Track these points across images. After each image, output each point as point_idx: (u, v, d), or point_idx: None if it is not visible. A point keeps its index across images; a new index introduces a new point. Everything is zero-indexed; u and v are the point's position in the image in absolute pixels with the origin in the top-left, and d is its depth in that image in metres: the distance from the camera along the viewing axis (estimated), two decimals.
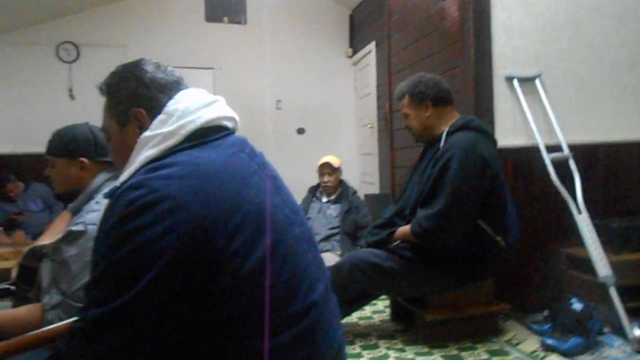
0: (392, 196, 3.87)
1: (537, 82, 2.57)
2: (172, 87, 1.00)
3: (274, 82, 5.96)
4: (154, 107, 0.96)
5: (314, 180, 3.71)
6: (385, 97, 4.28)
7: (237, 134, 1.04)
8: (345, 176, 6.09)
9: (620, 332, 2.15)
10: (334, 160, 3.56)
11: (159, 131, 0.92)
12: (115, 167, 1.07)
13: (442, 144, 2.18)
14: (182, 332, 0.79)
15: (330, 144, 6.07)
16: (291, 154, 5.86)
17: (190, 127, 0.92)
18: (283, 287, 0.87)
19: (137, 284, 0.74)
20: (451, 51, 2.80)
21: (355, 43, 6.07)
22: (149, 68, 1.00)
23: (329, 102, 6.14)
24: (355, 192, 3.66)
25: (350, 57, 6.16)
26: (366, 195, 5.13)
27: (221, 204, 0.81)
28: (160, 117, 0.94)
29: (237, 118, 1.05)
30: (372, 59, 5.38)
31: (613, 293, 2.17)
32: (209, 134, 0.94)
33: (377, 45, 5.23)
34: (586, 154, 2.61)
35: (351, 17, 6.17)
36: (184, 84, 1.03)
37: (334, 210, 3.51)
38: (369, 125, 5.51)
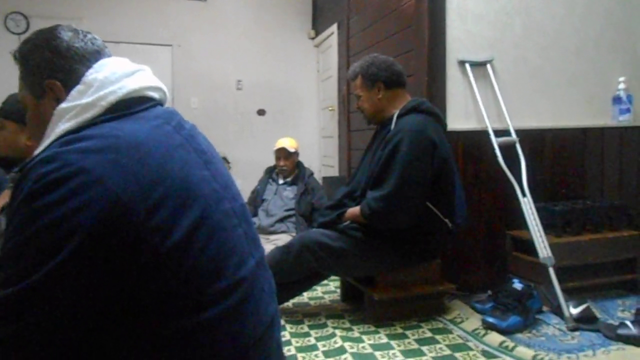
0: (347, 178, 3.89)
1: (489, 67, 2.61)
2: (91, 57, 0.94)
3: (235, 62, 5.86)
4: (71, 79, 0.90)
5: (274, 161, 3.69)
6: (345, 80, 4.27)
7: (166, 106, 1.00)
8: (306, 159, 6.08)
9: (557, 311, 2.24)
10: (290, 145, 3.55)
11: (76, 102, 0.86)
12: None
13: (392, 126, 2.19)
14: (102, 312, 0.76)
15: (291, 126, 6.04)
16: (251, 135, 5.80)
17: (111, 98, 0.87)
18: (210, 263, 0.85)
19: (48, 263, 0.71)
20: (406, 34, 2.81)
21: (318, 25, 6.02)
22: (66, 36, 0.94)
23: (291, 83, 6.09)
24: (311, 174, 3.66)
25: (313, 38, 6.10)
26: (324, 178, 5.15)
27: (141, 179, 0.78)
28: (78, 87, 0.88)
29: (165, 89, 1.01)
30: (334, 41, 5.35)
31: (552, 273, 2.25)
32: (131, 106, 0.89)
33: (339, 28, 5.19)
34: (534, 138, 2.68)
35: None
36: (106, 54, 0.97)
37: (290, 192, 3.51)
38: (330, 108, 5.50)
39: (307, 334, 2.17)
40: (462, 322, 2.25)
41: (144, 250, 0.76)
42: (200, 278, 0.83)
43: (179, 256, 0.80)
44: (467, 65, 2.58)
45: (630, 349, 1.93)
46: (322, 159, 6.06)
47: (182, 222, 0.81)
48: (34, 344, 0.72)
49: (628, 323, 2.05)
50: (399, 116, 2.19)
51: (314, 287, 2.61)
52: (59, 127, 0.85)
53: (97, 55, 0.95)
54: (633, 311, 2.25)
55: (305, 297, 2.65)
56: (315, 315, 2.40)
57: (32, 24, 5.04)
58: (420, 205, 2.13)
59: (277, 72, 6.01)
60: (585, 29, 2.83)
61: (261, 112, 6.03)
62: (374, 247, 2.21)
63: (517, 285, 2.27)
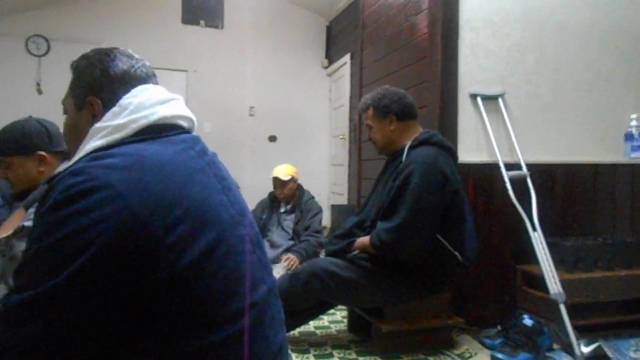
0: (357, 207, 3.88)
1: (500, 101, 2.63)
2: (135, 82, 1.00)
3: (248, 88, 5.96)
4: (112, 100, 0.96)
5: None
6: (357, 109, 4.32)
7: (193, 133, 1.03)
8: (316, 186, 6.12)
9: (568, 349, 2.19)
10: (285, 173, 3.55)
11: (109, 123, 0.91)
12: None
13: (404, 157, 2.20)
14: (112, 325, 0.77)
15: (302, 153, 6.09)
16: (263, 161, 5.85)
17: (143, 122, 0.91)
18: (222, 285, 0.86)
19: (63, 271, 0.72)
20: (419, 66, 2.84)
21: (331, 54, 6.12)
22: (120, 59, 1.01)
23: (303, 111, 6.16)
24: (311, 198, 3.66)
25: (326, 67, 6.20)
26: (333, 206, 5.16)
27: (162, 197, 0.80)
28: (114, 109, 0.93)
29: (194, 119, 1.05)
30: (346, 71, 5.43)
31: (563, 310, 2.21)
32: (160, 131, 0.93)
33: (351, 58, 5.28)
34: (545, 173, 2.67)
35: (328, 29, 6.23)
36: (152, 81, 1.03)
37: (290, 222, 3.54)
38: (341, 137, 5.54)
39: None
40: (470, 357, 2.21)
41: (160, 267, 0.78)
42: (212, 300, 0.84)
43: (192, 276, 0.81)
44: (479, 99, 2.60)
45: None
46: (331, 186, 6.08)
47: (199, 242, 0.83)
48: (42, 351, 0.73)
49: None
50: (411, 148, 2.20)
51: (321, 316, 2.59)
52: (91, 144, 0.90)
53: (142, 81, 1.01)
54: None
55: (311, 326, 2.62)
56: (321, 345, 2.37)
57: (52, 46, 5.18)
58: (430, 238, 2.13)
59: (290, 99, 6.09)
60: (598, 66, 2.85)
61: (272, 139, 6.09)
62: (382, 277, 2.19)
63: (528, 321, 2.23)
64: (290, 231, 3.50)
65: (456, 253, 2.19)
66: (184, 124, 1.00)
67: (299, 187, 3.67)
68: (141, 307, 0.78)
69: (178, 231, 0.80)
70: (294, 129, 6.13)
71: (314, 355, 2.23)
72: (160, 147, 0.89)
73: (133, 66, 1.01)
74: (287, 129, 6.11)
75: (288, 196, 3.59)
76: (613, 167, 2.84)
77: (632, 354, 2.24)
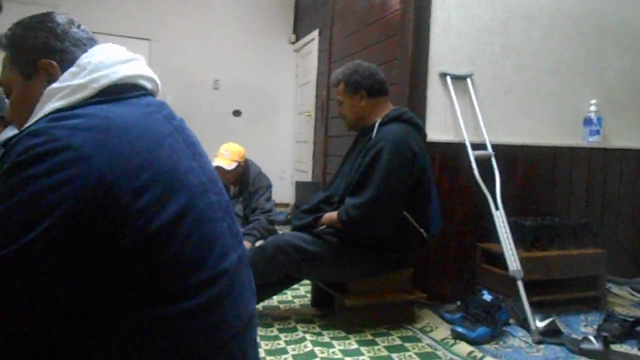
0: (322, 184, 3.89)
1: (469, 81, 2.67)
2: (86, 42, 0.95)
3: (213, 61, 5.82)
4: (66, 60, 0.91)
5: None
6: (324, 86, 4.29)
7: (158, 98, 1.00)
8: (279, 163, 6.09)
9: (524, 323, 2.29)
10: (229, 162, 3.17)
11: (68, 83, 0.87)
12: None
13: (374, 134, 2.21)
14: (78, 293, 0.74)
15: (266, 129, 6.03)
16: (227, 136, 5.74)
17: (104, 82, 0.87)
18: (193, 252, 0.85)
19: (25, 236, 0.69)
20: (390, 44, 2.84)
21: (299, 30, 6.04)
22: (61, 20, 0.95)
23: (268, 86, 6.08)
24: (259, 173, 3.36)
25: (293, 43, 6.12)
26: (297, 182, 5.14)
27: (129, 161, 0.78)
28: (72, 69, 0.89)
29: (158, 81, 1.02)
30: (314, 47, 5.37)
31: (520, 287, 2.30)
32: (123, 91, 0.90)
33: (320, 34, 5.22)
34: (508, 154, 2.74)
35: (296, 3, 6.13)
36: (98, 43, 0.98)
37: (239, 210, 3.31)
38: (307, 114, 5.50)
39: (276, 337, 2.15)
40: (431, 331, 2.27)
41: (127, 232, 0.76)
42: (182, 266, 0.82)
43: (162, 242, 0.80)
44: (448, 78, 2.62)
45: None
46: (295, 164, 6.06)
47: (168, 208, 0.81)
48: (4, 320, 0.70)
49: (591, 338, 2.11)
50: (381, 124, 2.20)
51: (285, 291, 2.59)
52: (49, 105, 0.85)
53: (91, 42, 0.97)
54: (595, 327, 2.32)
55: (275, 300, 2.63)
56: (285, 319, 2.38)
57: (5, 7, 4.87)
58: (397, 214, 2.15)
59: (256, 74, 5.99)
60: (560, 52, 2.92)
61: (237, 113, 5.99)
62: (348, 253, 2.21)
63: (487, 296, 2.30)
64: (242, 216, 3.27)
65: (422, 230, 2.23)
66: (147, 85, 0.97)
67: (246, 165, 3.34)
68: (110, 272, 0.76)
69: (147, 196, 0.78)
70: (259, 104, 6.05)
71: (278, 329, 2.24)
72: (126, 109, 0.86)
73: (76, 27, 0.97)
74: (252, 104, 6.02)
75: (232, 181, 3.31)
76: (571, 151, 2.94)
77: (582, 328, 2.36)
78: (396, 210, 2.13)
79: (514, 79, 2.81)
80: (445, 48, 2.64)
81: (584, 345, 2.07)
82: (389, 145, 2.08)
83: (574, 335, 2.22)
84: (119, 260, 0.76)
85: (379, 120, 2.22)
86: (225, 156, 3.20)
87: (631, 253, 3.17)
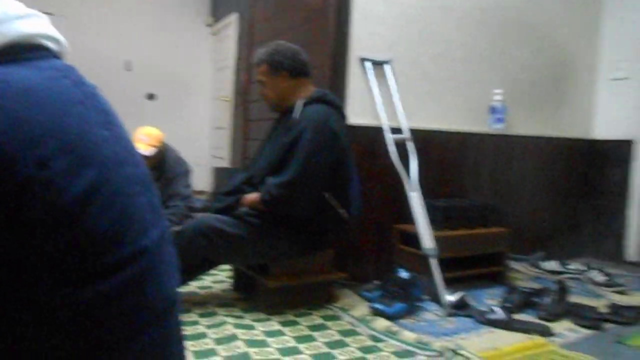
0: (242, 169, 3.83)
1: (387, 67, 2.74)
2: None
3: (124, 40, 5.50)
4: None
5: None
6: (244, 70, 4.21)
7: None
8: (195, 149, 5.92)
9: (437, 298, 2.41)
10: (147, 147, 3.02)
11: None
12: None
13: (296, 114, 2.21)
14: None
15: (182, 114, 5.83)
16: (140, 120, 5.47)
17: None
18: (108, 228, 0.78)
19: None
20: (311, 28, 2.84)
21: (217, 12, 5.88)
22: None
23: (184, 70, 5.87)
24: (177, 158, 3.23)
25: (211, 26, 5.94)
26: (216, 169, 5.04)
27: (30, 128, 0.69)
28: None
29: (64, 42, 0.91)
30: (233, 30, 5.26)
31: (433, 264, 2.42)
32: (22, 52, 0.78)
33: (239, 16, 5.12)
34: (423, 138, 2.85)
35: None
36: None
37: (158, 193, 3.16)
38: (225, 99, 5.39)
39: (196, 322, 2.09)
40: (351, 309, 2.32)
41: (33, 207, 0.68)
42: (96, 244, 0.76)
43: (73, 218, 0.73)
44: (368, 64, 2.68)
45: (498, 332, 2.14)
46: (212, 150, 5.92)
47: (78, 180, 0.74)
48: None
49: (496, 309, 2.28)
50: (303, 105, 2.21)
51: (203, 277, 2.53)
52: None
53: None
54: (499, 299, 2.50)
55: (193, 286, 2.55)
56: (204, 303, 2.32)
57: None
58: (319, 194, 2.17)
59: (171, 56, 5.76)
60: (471, 43, 3.09)
61: (151, 97, 5.73)
62: (270, 234, 2.20)
63: (403, 274, 2.40)
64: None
65: (342, 211, 2.27)
66: (52, 45, 0.85)
67: (164, 149, 3.18)
68: (14, 252, 0.69)
69: (54, 167, 0.70)
70: (174, 88, 5.83)
71: (198, 314, 2.18)
72: (27, 72, 0.76)
73: None
74: (167, 88, 5.78)
75: (150, 167, 3.06)
76: (479, 137, 3.13)
77: (488, 301, 2.52)
78: (318, 190, 2.15)
79: (430, 67, 2.93)
80: (366, 33, 2.69)
81: (490, 316, 2.23)
82: (312, 125, 2.09)
83: (481, 307, 2.37)
84: (25, 238, 0.68)
85: (301, 101, 2.23)
86: (143, 141, 3.03)
87: (531, 232, 3.45)
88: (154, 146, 3.06)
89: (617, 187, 3.63)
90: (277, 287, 2.25)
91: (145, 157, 2.99)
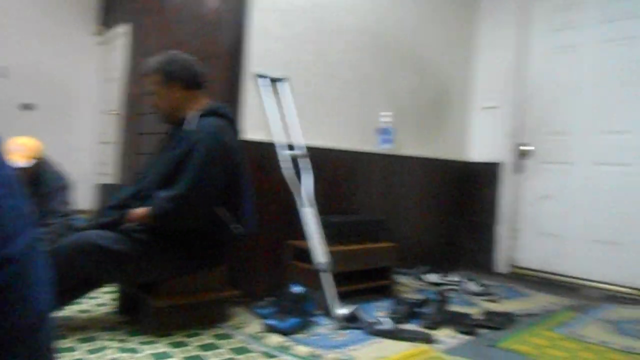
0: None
1: (283, 84, 2.79)
2: None
3: (1, 44, 5.01)
4: None
5: None
6: (134, 83, 4.04)
7: None
8: (78, 165, 5.50)
9: (329, 312, 2.45)
10: (26, 158, 2.77)
11: None
12: None
13: (189, 126, 2.16)
14: None
15: (64, 127, 5.42)
16: (16, 132, 4.98)
17: None
18: None
19: None
20: (207, 41, 2.81)
21: (107, 21, 5.59)
22: None
23: (69, 80, 5.47)
24: (53, 171, 2.98)
25: (98, 35, 5.63)
26: (99, 185, 4.73)
27: None
28: None
29: None
30: (123, 41, 5.02)
31: (326, 278, 2.47)
32: None
33: (130, 27, 4.90)
34: (317, 156, 2.92)
35: None
36: None
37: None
38: (113, 112, 5.10)
39: (73, 349, 1.92)
40: (243, 326, 2.29)
41: None
42: None
43: None
44: (264, 80, 2.70)
45: (385, 342, 2.23)
46: (97, 166, 5.55)
47: None
48: None
49: (383, 320, 2.38)
50: (197, 117, 2.16)
51: (85, 299, 2.35)
52: None
53: None
54: (387, 311, 2.61)
55: (72, 310, 2.35)
56: (85, 328, 2.15)
57: None
58: (211, 209, 2.13)
59: (53, 64, 5.35)
60: (361, 67, 3.25)
61: (28, 106, 5.25)
62: (159, 251, 2.10)
63: (296, 289, 2.42)
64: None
65: (235, 226, 2.24)
66: None
67: (42, 162, 2.92)
68: None
69: None
70: (56, 99, 5.39)
71: (77, 339, 2.01)
72: None
73: None
74: (48, 98, 5.34)
75: (26, 181, 2.80)
76: (369, 156, 3.28)
77: (377, 313, 2.62)
78: (210, 205, 2.11)
79: (323, 87, 3.03)
80: (262, 50, 2.72)
81: (378, 327, 2.32)
82: (205, 139, 2.05)
83: (370, 319, 2.45)
84: None
85: (194, 113, 2.18)
86: (18, 152, 2.76)
87: (415, 246, 3.67)
88: (31, 158, 2.80)
89: (488, 205, 3.99)
90: (165, 307, 2.14)
91: (21, 169, 2.73)
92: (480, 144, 4.11)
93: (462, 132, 4.12)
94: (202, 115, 2.17)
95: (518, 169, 3.90)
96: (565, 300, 3.16)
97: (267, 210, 2.74)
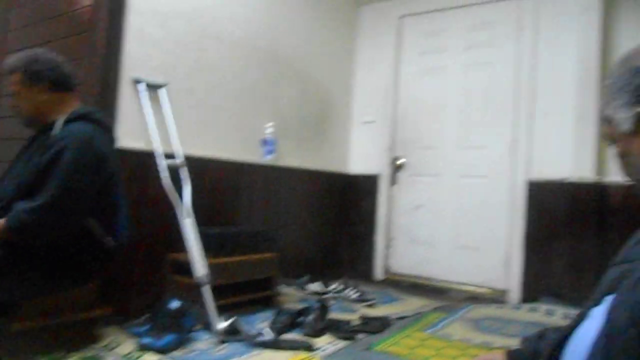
0: None
1: (163, 91, 2.69)
2: None
3: None
4: None
5: None
6: None
7: None
8: None
9: (209, 327, 2.39)
10: None
11: None
12: None
13: (56, 131, 1.98)
14: None
15: None
16: None
17: None
18: None
19: None
20: (78, 40, 2.62)
21: None
22: None
23: None
24: None
25: None
26: None
27: None
28: None
29: None
30: None
31: (206, 291, 2.41)
32: None
33: None
34: (198, 166, 2.86)
35: None
36: None
37: None
38: None
39: None
40: (116, 347, 2.15)
41: None
42: None
43: None
44: (142, 86, 2.58)
45: (267, 353, 2.23)
46: None
47: None
48: None
49: (265, 331, 2.38)
50: (66, 122, 1.99)
51: None
52: None
53: None
54: (269, 322, 2.61)
55: None
56: None
57: None
58: (80, 221, 1.97)
59: None
60: (244, 77, 3.25)
61: None
62: (17, 268, 1.89)
63: (173, 304, 2.33)
64: None
65: (107, 239, 2.09)
66: None
67: None
68: None
69: None
70: None
71: None
72: None
73: None
74: None
75: None
76: (252, 167, 3.28)
77: (259, 325, 2.61)
78: (78, 217, 1.94)
79: (206, 95, 2.98)
80: (140, 54, 2.60)
81: (259, 338, 2.32)
82: (74, 144, 1.89)
83: (252, 331, 2.44)
84: None
85: (62, 117, 2.01)
86: None
87: (298, 256, 3.72)
88: None
89: (367, 215, 4.19)
90: (25, 329, 1.94)
91: None
92: (359, 157, 4.31)
93: (343, 145, 4.29)
94: (70, 120, 2.00)
95: (393, 180, 4.15)
96: (434, 303, 3.42)
97: (144, 221, 2.61)
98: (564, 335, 0.88)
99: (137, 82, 2.57)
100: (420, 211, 4.03)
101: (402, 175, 4.14)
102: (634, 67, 0.78)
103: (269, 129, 3.34)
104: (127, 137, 2.52)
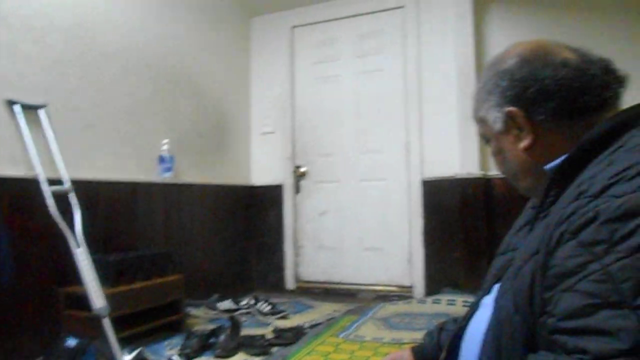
0: None
1: (42, 112, 2.48)
2: None
3: None
4: None
5: None
6: None
7: None
8: None
9: None
10: None
11: None
12: None
13: None
14: None
15: None
16: None
17: None
18: None
19: None
20: None
21: None
22: None
23: None
24: None
25: None
26: None
27: None
28: None
29: None
30: None
31: (106, 324, 2.24)
32: None
33: None
34: (89, 190, 2.67)
35: None
36: None
37: None
38: None
39: None
40: None
41: None
42: None
43: None
44: (18, 107, 2.36)
45: None
46: None
47: None
48: None
49: (174, 359, 2.27)
50: None
51: None
52: None
53: None
54: (178, 347, 2.50)
55: None
56: None
57: None
58: None
59: None
60: (137, 93, 3.10)
61: None
62: None
63: (70, 342, 2.15)
64: None
65: None
66: None
67: None
68: None
69: None
70: None
71: None
72: None
73: None
74: None
75: None
76: (149, 186, 3.13)
77: (167, 352, 2.49)
78: None
79: (93, 114, 2.79)
80: (12, 73, 2.38)
81: None
82: None
83: (160, 359, 2.32)
84: None
85: None
86: None
87: (206, 275, 3.61)
88: None
89: (274, 226, 4.18)
90: None
91: None
92: (262, 168, 4.29)
93: (244, 157, 4.25)
94: None
95: (297, 189, 4.18)
96: (346, 306, 3.48)
97: (30, 255, 2.38)
98: (461, 326, 0.94)
99: (11, 103, 2.35)
100: (325, 217, 4.09)
101: (305, 183, 4.18)
102: (500, 70, 0.85)
103: (164, 146, 3.21)
104: (3, 165, 2.29)
